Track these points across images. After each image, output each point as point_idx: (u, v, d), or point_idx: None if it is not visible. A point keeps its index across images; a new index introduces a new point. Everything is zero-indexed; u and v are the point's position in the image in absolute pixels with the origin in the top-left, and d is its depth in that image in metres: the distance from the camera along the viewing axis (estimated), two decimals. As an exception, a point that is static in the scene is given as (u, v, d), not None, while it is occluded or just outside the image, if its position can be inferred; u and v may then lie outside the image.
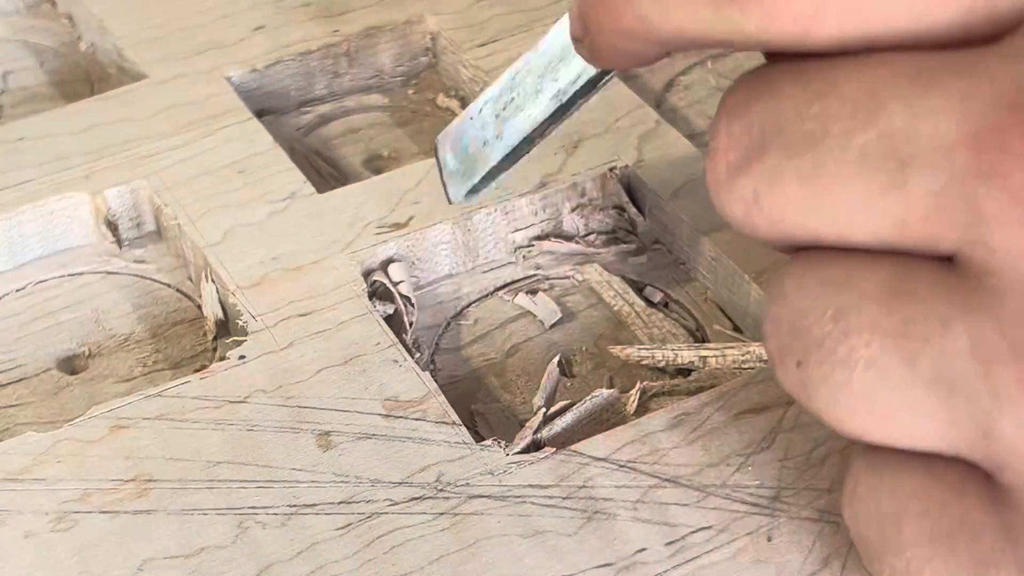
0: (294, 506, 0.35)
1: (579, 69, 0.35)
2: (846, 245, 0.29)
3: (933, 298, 0.28)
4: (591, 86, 0.35)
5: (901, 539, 0.30)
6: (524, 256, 0.43)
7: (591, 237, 0.44)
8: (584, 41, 0.32)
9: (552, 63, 0.36)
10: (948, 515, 0.29)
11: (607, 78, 0.35)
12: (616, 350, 0.40)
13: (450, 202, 0.37)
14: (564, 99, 0.35)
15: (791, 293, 0.30)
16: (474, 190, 0.37)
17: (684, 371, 0.40)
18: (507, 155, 0.36)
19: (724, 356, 0.39)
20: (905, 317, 0.28)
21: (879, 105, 0.28)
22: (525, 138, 0.36)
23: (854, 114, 0.28)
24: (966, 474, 0.29)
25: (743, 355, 0.39)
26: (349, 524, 0.35)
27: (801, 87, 0.29)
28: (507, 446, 0.36)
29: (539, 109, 0.36)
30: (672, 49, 0.31)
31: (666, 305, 0.42)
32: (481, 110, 0.37)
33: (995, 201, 0.26)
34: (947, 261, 0.28)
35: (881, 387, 0.28)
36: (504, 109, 0.37)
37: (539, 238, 0.43)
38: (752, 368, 0.39)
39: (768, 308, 0.31)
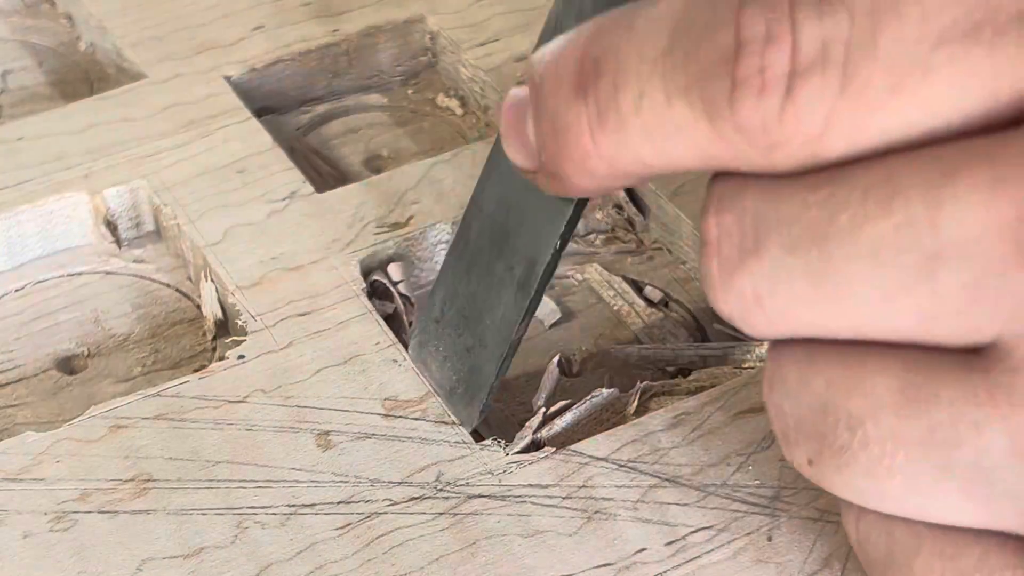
0: (293, 506, 0.35)
1: (542, 241, 0.33)
2: (861, 340, 0.27)
3: (960, 400, 0.26)
4: (563, 243, 0.33)
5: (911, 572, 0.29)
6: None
7: (591, 237, 0.44)
8: (539, 173, 0.30)
9: (500, 240, 0.33)
10: (965, 558, 0.28)
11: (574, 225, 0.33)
12: (616, 350, 0.40)
13: (466, 427, 0.37)
14: (534, 286, 0.33)
15: (794, 386, 0.28)
16: (486, 406, 0.36)
17: (684, 371, 0.40)
18: (502, 362, 0.35)
19: (724, 356, 0.39)
20: (930, 425, 0.26)
21: (894, 191, 0.25)
22: (512, 343, 0.35)
23: (865, 201, 0.25)
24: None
25: (743, 355, 0.39)
26: (348, 524, 0.35)
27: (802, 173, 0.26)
28: (507, 446, 0.36)
29: (509, 308, 0.34)
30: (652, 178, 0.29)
31: (666, 305, 0.42)
32: (442, 310, 0.35)
33: None
34: (966, 353, 0.26)
35: (912, 494, 0.27)
36: (467, 306, 0.35)
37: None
38: (752, 368, 0.39)
39: (767, 393, 0.29)
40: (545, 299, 0.42)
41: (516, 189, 0.34)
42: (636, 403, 0.38)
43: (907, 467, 0.27)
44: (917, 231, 0.25)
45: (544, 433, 0.37)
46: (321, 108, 0.50)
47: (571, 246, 0.43)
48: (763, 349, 0.39)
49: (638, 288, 0.43)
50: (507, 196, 0.34)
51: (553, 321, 0.42)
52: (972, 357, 0.26)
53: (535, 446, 0.37)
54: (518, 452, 0.36)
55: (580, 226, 0.44)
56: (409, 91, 0.50)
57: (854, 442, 0.27)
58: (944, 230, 0.25)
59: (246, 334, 0.39)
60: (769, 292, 0.27)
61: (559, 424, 0.38)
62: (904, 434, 0.27)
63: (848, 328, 0.27)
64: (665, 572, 0.34)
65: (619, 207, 0.44)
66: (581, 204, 0.33)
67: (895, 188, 0.25)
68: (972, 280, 0.25)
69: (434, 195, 0.43)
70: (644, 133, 0.27)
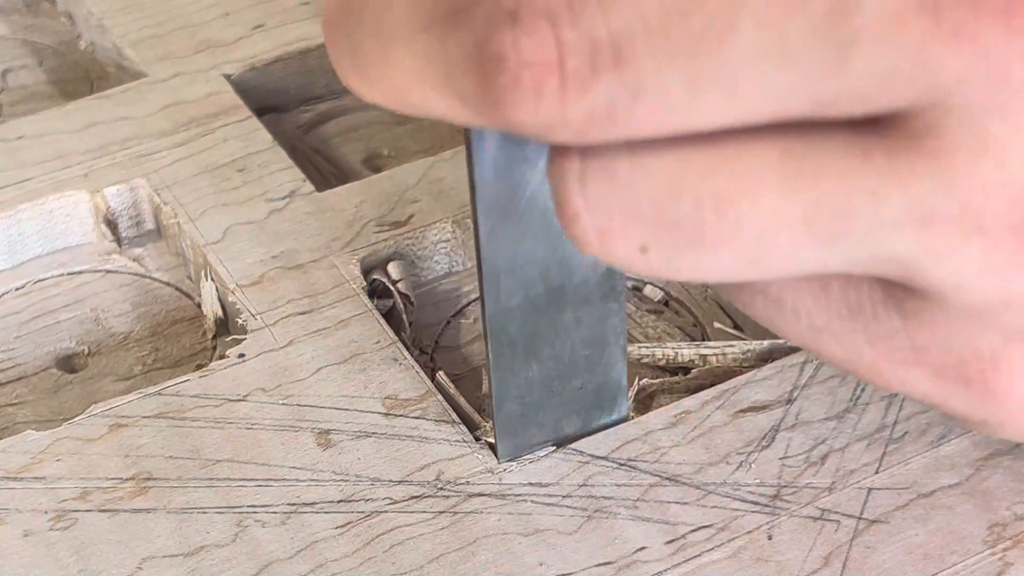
0: (294, 504, 0.35)
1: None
2: (731, 129, 0.24)
3: (853, 169, 0.24)
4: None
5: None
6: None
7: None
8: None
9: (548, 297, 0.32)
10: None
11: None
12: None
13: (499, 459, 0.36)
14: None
15: (626, 175, 0.25)
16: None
17: (684, 369, 0.40)
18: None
19: (724, 354, 0.39)
20: (816, 198, 0.24)
21: None
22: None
23: None
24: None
25: (743, 353, 0.39)
26: (349, 523, 0.35)
27: None
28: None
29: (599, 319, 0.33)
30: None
31: (666, 304, 0.42)
32: (522, 395, 0.34)
33: (961, 63, 0.23)
34: (854, 124, 0.24)
35: (787, 266, 0.25)
36: (551, 361, 0.34)
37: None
38: (752, 367, 0.39)
39: (576, 189, 0.25)
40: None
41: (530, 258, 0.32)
42: (633, 400, 0.38)
43: (788, 247, 0.25)
44: (833, 18, 0.23)
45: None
46: (321, 107, 0.50)
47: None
48: (763, 347, 0.39)
49: (637, 287, 0.43)
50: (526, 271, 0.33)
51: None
52: (864, 127, 0.24)
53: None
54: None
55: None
56: (409, 90, 0.50)
57: (723, 223, 0.24)
58: (859, 14, 0.23)
59: (246, 333, 0.39)
60: (629, 103, 0.24)
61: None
62: (787, 213, 0.24)
63: (722, 124, 0.24)
64: (665, 571, 0.34)
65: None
66: None
67: None
68: (885, 64, 0.23)
69: (434, 194, 0.43)
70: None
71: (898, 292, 0.27)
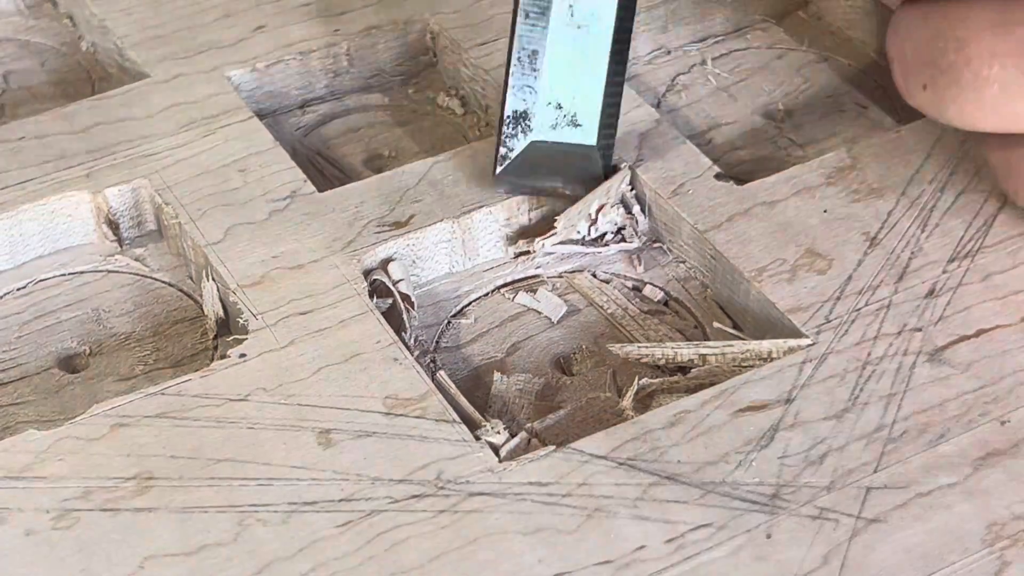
0: (294, 504, 0.35)
1: None
2: None
3: None
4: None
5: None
6: (517, 253, 0.43)
7: (598, 237, 0.44)
8: None
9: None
10: None
11: None
12: (616, 348, 0.40)
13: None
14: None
15: (913, 27, 0.37)
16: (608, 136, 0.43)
17: (684, 369, 0.40)
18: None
19: (724, 354, 0.39)
20: (1018, 39, 0.36)
21: None
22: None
23: None
24: None
25: (743, 353, 0.39)
26: (349, 521, 0.35)
27: None
28: (505, 443, 0.37)
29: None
30: None
31: (666, 304, 0.42)
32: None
33: None
34: None
35: (1006, 100, 0.36)
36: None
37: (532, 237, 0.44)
38: (752, 366, 0.39)
39: (891, 40, 0.38)
40: (548, 295, 0.42)
41: None
42: (632, 399, 0.39)
43: (1001, 74, 0.36)
44: None
45: (536, 425, 0.38)
46: (322, 108, 0.50)
47: (570, 247, 0.43)
48: (762, 347, 0.39)
49: (637, 288, 0.43)
50: None
51: (560, 315, 0.42)
52: None
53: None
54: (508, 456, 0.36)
55: (590, 229, 0.44)
56: (410, 91, 0.51)
57: (959, 59, 0.36)
58: None
59: (247, 333, 0.39)
60: None
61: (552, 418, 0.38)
62: (998, 48, 0.36)
63: None
64: (664, 569, 0.34)
65: (621, 207, 0.44)
66: None
67: None
68: None
69: (435, 195, 0.43)
70: None
71: None
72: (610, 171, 0.43)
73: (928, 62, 0.37)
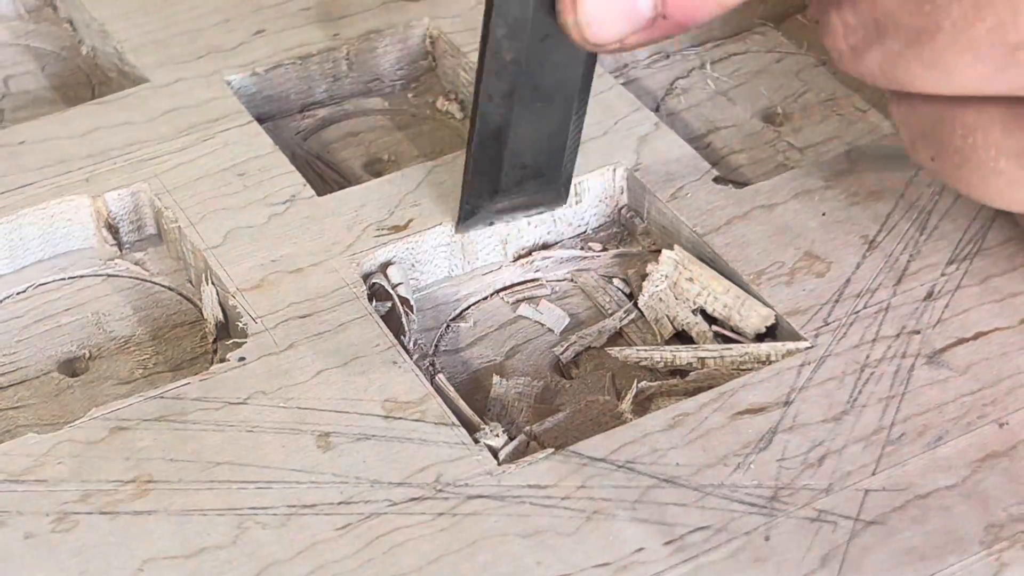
0: (294, 506, 0.35)
1: None
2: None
3: None
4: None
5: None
6: (516, 256, 0.43)
7: (590, 241, 0.44)
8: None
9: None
10: None
11: None
12: (615, 351, 0.40)
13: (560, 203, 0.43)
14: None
15: (918, 107, 0.37)
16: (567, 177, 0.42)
17: (682, 372, 0.40)
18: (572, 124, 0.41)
19: (722, 357, 0.39)
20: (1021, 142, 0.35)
21: (986, 3, 0.33)
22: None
23: (964, 13, 0.33)
24: None
25: (741, 356, 0.39)
26: (348, 524, 0.35)
27: None
28: (500, 449, 0.37)
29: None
30: None
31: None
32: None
33: None
34: None
35: (1013, 190, 0.36)
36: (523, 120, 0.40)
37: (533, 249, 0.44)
38: (750, 369, 0.39)
39: (895, 108, 0.37)
40: (550, 306, 0.42)
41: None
42: (631, 402, 0.39)
43: (1008, 169, 0.35)
44: (1005, 30, 0.33)
45: (535, 428, 0.38)
46: (322, 112, 0.50)
47: (570, 251, 0.44)
48: (760, 350, 0.39)
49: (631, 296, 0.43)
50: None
51: (563, 327, 0.42)
52: None
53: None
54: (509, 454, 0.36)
55: (582, 226, 0.44)
56: (409, 95, 0.51)
57: (967, 146, 0.36)
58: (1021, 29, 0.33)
59: (247, 336, 0.39)
60: (891, 69, 0.35)
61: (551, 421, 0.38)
62: (1005, 145, 0.35)
63: (955, 94, 0.35)
64: (663, 572, 0.34)
65: (620, 210, 0.44)
66: None
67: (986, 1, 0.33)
68: None
69: (434, 198, 0.43)
70: None
71: None
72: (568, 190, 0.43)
73: (935, 140, 0.37)
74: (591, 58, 0.39)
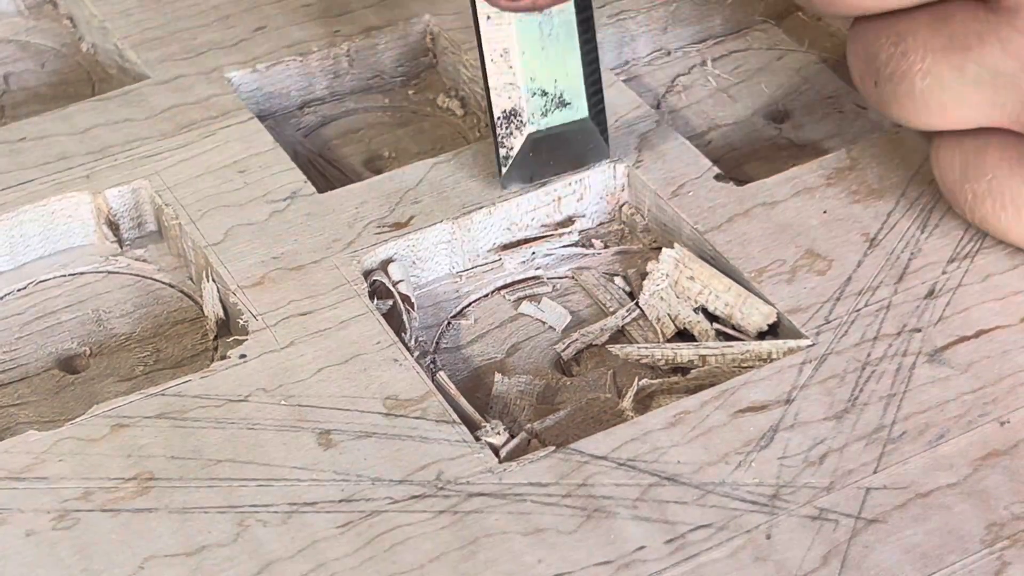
0: (295, 504, 0.35)
1: None
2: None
3: (968, 20, 0.38)
4: None
5: (983, 164, 0.39)
6: (501, 257, 0.43)
7: (595, 240, 0.44)
8: None
9: None
10: (1018, 148, 0.39)
11: None
12: (616, 349, 0.40)
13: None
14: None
15: (863, 30, 0.40)
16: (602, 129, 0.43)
17: (683, 369, 0.40)
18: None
19: (723, 355, 0.39)
20: (949, 34, 0.38)
21: None
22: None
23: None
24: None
25: (742, 354, 0.39)
26: (350, 522, 0.35)
27: None
28: (504, 444, 0.37)
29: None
30: None
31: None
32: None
33: None
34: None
35: (939, 94, 0.39)
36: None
37: (529, 240, 0.44)
38: (751, 366, 0.39)
39: (849, 47, 0.41)
40: (551, 304, 0.42)
41: None
42: (632, 400, 0.39)
43: (934, 67, 0.38)
44: None
45: (536, 426, 0.38)
46: (322, 109, 0.50)
47: (572, 248, 0.44)
48: (761, 348, 0.39)
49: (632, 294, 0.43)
50: None
51: (564, 324, 0.42)
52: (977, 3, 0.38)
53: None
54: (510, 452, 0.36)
55: (585, 223, 0.44)
56: (410, 92, 0.51)
57: (897, 52, 0.39)
58: None
59: (247, 333, 0.39)
60: None
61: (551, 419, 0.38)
62: (931, 42, 0.38)
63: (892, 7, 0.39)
64: (664, 570, 0.34)
65: (620, 207, 0.44)
66: None
67: None
68: None
69: (435, 195, 0.43)
70: None
71: None
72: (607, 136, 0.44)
73: (874, 58, 0.40)
74: None
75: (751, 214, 0.42)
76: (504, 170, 0.42)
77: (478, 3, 0.41)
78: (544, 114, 0.42)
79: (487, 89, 0.42)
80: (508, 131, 0.42)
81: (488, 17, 0.41)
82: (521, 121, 0.42)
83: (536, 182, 0.43)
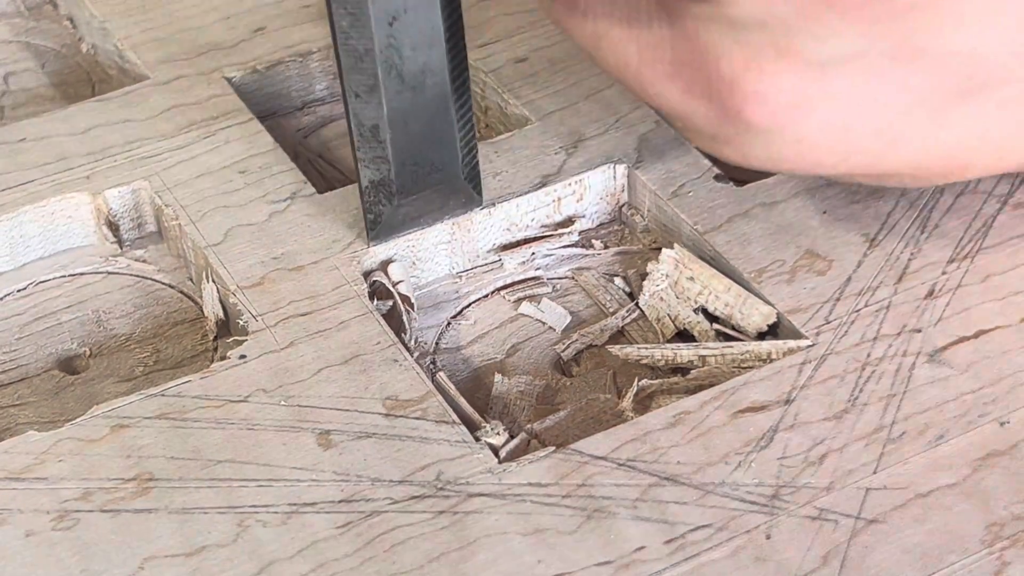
0: (294, 505, 0.35)
1: None
2: None
3: (649, 8, 0.37)
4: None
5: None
6: (501, 258, 0.43)
7: (594, 241, 0.44)
8: None
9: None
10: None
11: None
12: (616, 349, 0.40)
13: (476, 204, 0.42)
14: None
15: None
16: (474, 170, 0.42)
17: (683, 370, 0.40)
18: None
19: (723, 355, 0.39)
20: (630, 9, 0.37)
21: None
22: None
23: None
24: None
25: (742, 354, 0.39)
26: (349, 522, 0.35)
27: None
28: (504, 444, 0.37)
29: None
30: None
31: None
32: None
33: None
34: None
35: (594, 22, 0.38)
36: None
37: (529, 241, 0.44)
38: (751, 367, 0.39)
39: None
40: (551, 304, 0.42)
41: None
42: (632, 400, 0.39)
43: (609, 30, 0.38)
44: None
45: (536, 427, 0.38)
46: (322, 110, 0.50)
47: (572, 249, 0.44)
48: (762, 348, 0.39)
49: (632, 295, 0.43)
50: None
51: (564, 325, 0.42)
52: None
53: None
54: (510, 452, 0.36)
55: (585, 224, 0.44)
56: (410, 92, 0.51)
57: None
58: None
59: (247, 334, 0.39)
60: None
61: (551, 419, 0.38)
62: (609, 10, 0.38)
63: None
64: (664, 570, 0.34)
65: (620, 208, 0.44)
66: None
67: None
68: None
69: (434, 196, 0.43)
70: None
71: (671, 3, 0.37)
72: (479, 186, 0.42)
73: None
74: (453, 36, 0.38)
75: (751, 214, 0.42)
76: (372, 234, 0.41)
77: (346, 81, 0.38)
78: (415, 181, 0.41)
79: (355, 158, 0.40)
80: (376, 199, 0.41)
81: (357, 95, 0.38)
82: (391, 191, 0.40)
83: (404, 234, 0.42)
